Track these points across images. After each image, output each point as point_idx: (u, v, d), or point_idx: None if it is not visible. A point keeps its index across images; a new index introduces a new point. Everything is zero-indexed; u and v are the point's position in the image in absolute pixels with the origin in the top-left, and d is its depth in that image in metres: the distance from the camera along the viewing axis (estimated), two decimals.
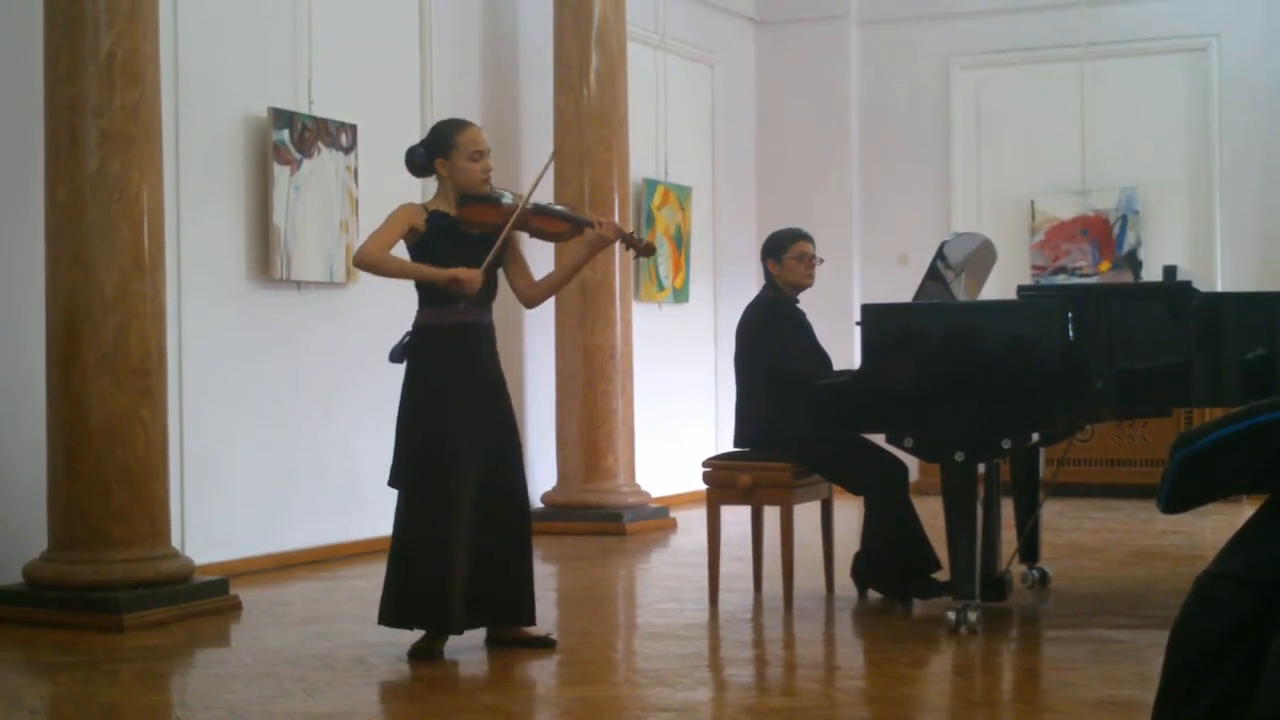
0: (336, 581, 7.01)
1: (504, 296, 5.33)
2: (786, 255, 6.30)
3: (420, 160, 5.27)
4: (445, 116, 8.44)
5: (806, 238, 6.37)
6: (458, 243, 5.13)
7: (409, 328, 5.21)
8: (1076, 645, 5.27)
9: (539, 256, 6.86)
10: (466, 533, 5.05)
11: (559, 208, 5.50)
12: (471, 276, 5.04)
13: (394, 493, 5.15)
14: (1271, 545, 2.44)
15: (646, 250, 5.41)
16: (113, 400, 5.87)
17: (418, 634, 5.16)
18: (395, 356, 5.20)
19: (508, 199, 5.22)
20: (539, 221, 5.24)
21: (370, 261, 5.08)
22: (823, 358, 6.34)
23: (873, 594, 6.32)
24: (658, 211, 10.47)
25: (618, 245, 5.70)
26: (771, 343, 6.19)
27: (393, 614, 5.09)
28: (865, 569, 6.31)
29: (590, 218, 5.39)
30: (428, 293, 5.17)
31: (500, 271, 5.29)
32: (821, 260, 6.43)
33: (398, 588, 5.07)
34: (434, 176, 5.29)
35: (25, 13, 6.25)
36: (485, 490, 5.11)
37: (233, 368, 7.26)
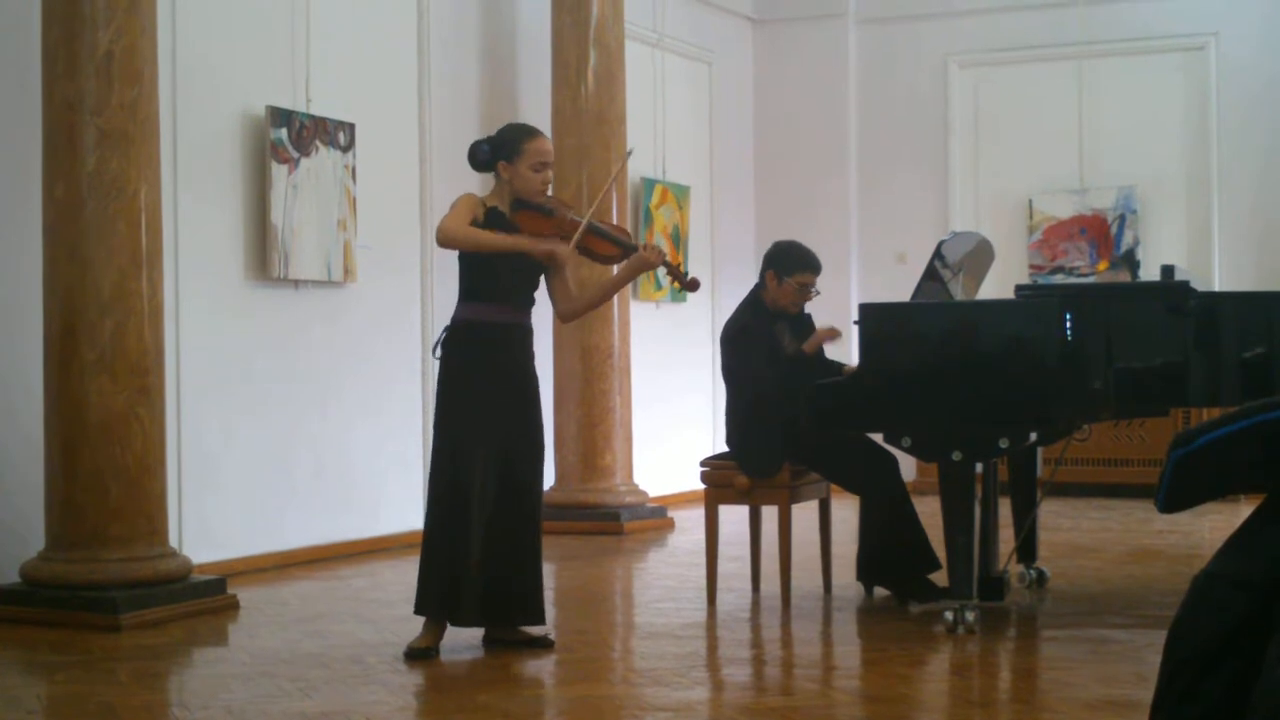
0: (334, 581, 7.01)
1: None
2: (790, 278, 6.20)
3: (483, 157, 5.28)
4: (443, 115, 8.59)
5: (816, 270, 6.25)
6: None
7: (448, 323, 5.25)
8: (1074, 645, 5.27)
9: None
10: (482, 530, 5.10)
11: (613, 232, 5.35)
12: (569, 253, 5.14)
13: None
14: (1269, 545, 2.43)
15: (691, 285, 5.30)
16: (110, 399, 5.86)
17: (418, 631, 5.17)
18: (437, 352, 5.27)
19: (561, 213, 5.24)
20: (591, 242, 5.25)
21: (457, 235, 5.07)
22: (799, 362, 6.25)
23: (879, 591, 6.32)
24: (656, 210, 10.46)
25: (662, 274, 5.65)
26: (740, 370, 6.12)
27: (418, 603, 5.19)
28: (868, 566, 6.29)
29: (637, 244, 5.35)
30: (472, 289, 5.20)
31: (543, 279, 5.31)
32: (818, 293, 6.32)
33: (421, 578, 5.17)
34: (493, 174, 5.30)
35: (23, 10, 6.25)
36: (502, 490, 5.16)
37: (230, 366, 7.25)
